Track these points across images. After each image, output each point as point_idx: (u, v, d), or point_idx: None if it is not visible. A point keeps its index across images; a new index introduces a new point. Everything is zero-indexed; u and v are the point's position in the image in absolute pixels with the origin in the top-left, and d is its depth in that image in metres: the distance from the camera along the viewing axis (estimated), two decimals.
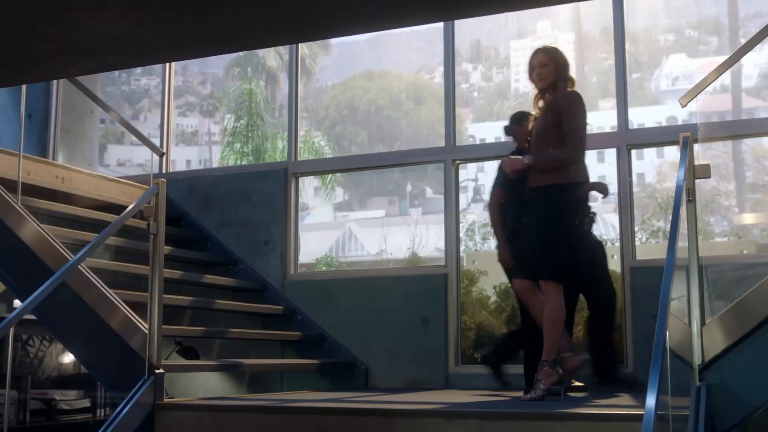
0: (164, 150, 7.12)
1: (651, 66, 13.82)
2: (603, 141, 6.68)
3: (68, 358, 7.19)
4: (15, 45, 2.93)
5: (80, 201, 6.34)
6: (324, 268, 9.36)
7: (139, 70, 16.52)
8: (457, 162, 6.81)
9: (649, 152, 10.86)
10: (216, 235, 7.31)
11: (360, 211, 15.59)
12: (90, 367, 4.95)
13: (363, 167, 7.91)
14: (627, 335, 6.00)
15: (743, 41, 5.43)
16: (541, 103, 4.88)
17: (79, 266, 4.55)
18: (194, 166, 16.26)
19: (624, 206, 6.18)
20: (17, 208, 5.08)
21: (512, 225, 5.23)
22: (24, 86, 5.57)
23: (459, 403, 4.17)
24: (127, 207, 6.54)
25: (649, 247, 9.07)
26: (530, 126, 4.99)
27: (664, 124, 11.70)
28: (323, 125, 15.32)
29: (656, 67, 14.35)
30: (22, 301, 4.91)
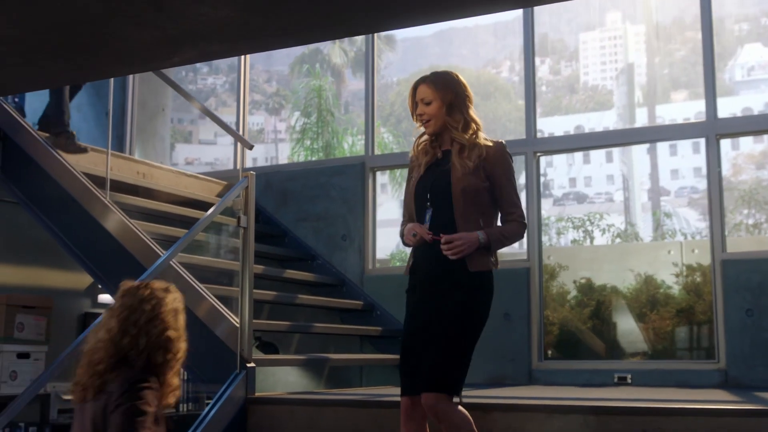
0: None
1: (725, 56, 13.52)
2: (690, 131, 6.52)
3: None
4: (122, 35, 2.91)
5: (160, 196, 6.37)
6: (399, 263, 9.30)
7: (205, 69, 16.69)
8: (538, 154, 6.69)
9: (724, 144, 10.61)
10: (293, 230, 7.29)
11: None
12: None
13: None
14: (718, 330, 5.84)
15: None
16: (439, 153, 3.60)
17: (171, 261, 4.54)
18: (260, 163, 16.31)
19: (714, 198, 6.00)
20: (106, 202, 5.11)
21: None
22: (111, 84, 5.59)
23: (558, 398, 4.07)
24: (206, 202, 6.61)
25: (738, 240, 8.86)
26: (415, 177, 3.63)
27: (739, 115, 11.36)
28: (389, 121, 15.24)
29: (730, 57, 14.02)
30: (111, 295, 4.94)
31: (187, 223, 6.04)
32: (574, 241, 9.61)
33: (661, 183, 12.99)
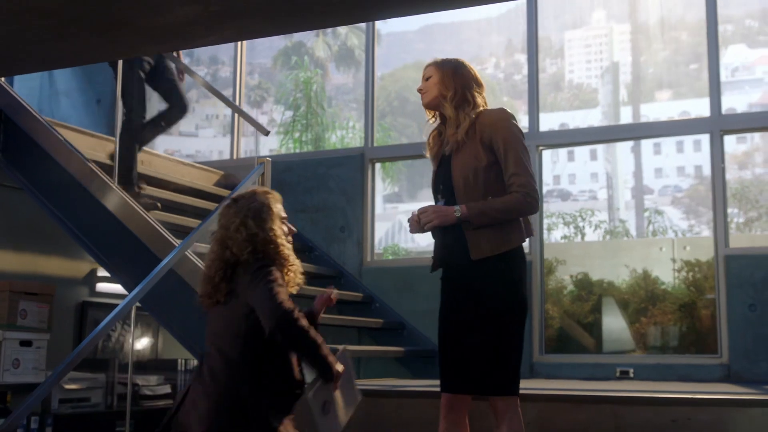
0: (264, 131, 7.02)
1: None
2: (694, 127, 6.53)
3: (143, 343, 7.13)
4: (163, 9, 2.84)
5: (159, 184, 6.27)
6: (391, 256, 9.26)
7: (187, 59, 16.47)
8: (541, 148, 6.69)
9: (706, 144, 10.70)
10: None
11: (410, 203, 15.40)
12: (197, 354, 4.86)
13: None
14: (721, 325, 5.86)
15: None
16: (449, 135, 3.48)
17: (186, 252, 4.44)
18: (239, 156, 16.12)
19: (717, 194, 6.02)
20: (114, 188, 5.00)
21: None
22: (120, 67, 5.47)
23: (584, 389, 4.05)
24: (205, 191, 6.52)
25: (739, 237, 8.90)
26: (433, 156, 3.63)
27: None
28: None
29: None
30: (125, 286, 4.84)
31: (186, 211, 5.97)
32: (564, 237, 9.60)
33: (645, 182, 13.03)
